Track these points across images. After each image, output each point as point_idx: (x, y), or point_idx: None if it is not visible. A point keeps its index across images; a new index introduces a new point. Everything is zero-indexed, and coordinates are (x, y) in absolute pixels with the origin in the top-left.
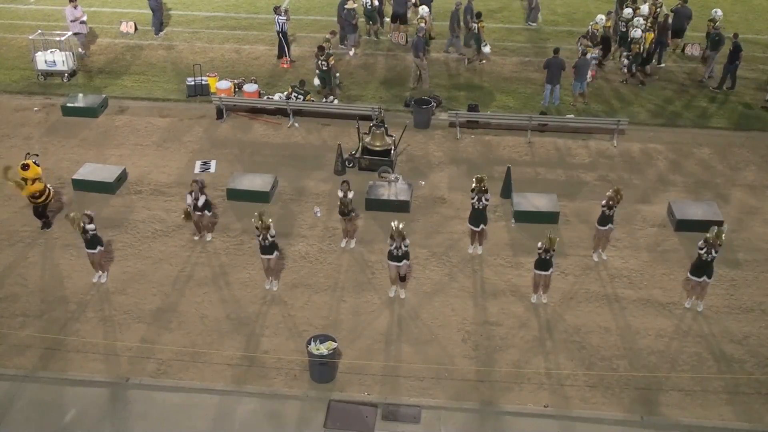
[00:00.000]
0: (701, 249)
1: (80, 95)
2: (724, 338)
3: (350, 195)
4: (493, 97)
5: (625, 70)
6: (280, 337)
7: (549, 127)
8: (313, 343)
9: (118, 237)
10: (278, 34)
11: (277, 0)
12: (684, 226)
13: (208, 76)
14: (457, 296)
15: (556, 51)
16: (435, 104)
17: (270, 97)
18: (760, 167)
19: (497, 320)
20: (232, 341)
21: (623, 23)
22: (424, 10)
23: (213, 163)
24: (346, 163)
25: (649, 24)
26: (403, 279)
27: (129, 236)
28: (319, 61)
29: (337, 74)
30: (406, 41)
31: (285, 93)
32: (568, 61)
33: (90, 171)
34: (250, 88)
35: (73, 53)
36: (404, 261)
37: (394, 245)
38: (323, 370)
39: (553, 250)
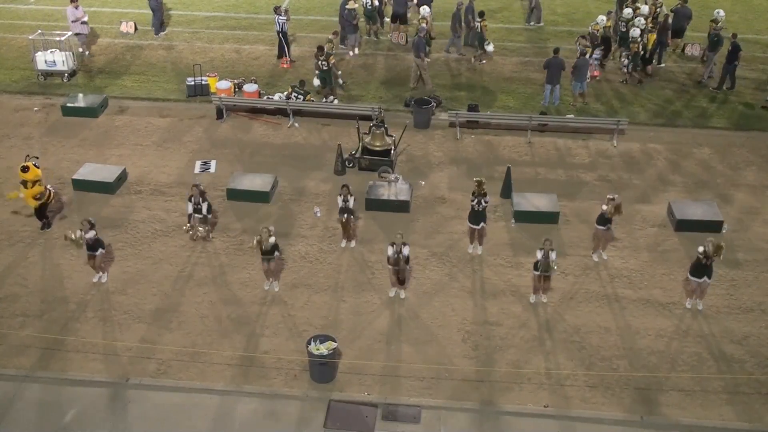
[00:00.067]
0: (700, 254)
1: (80, 95)
2: (724, 338)
3: (351, 201)
4: (493, 97)
5: (625, 70)
6: (280, 337)
7: (549, 127)
8: (313, 343)
9: (118, 237)
10: (278, 34)
11: (277, 0)
12: (684, 226)
13: (208, 76)
14: (457, 296)
15: (556, 51)
16: (435, 104)
17: (270, 97)
18: (760, 167)
19: (497, 320)
20: (232, 341)
21: (623, 23)
22: (425, 10)
23: (213, 163)
24: (346, 163)
25: (651, 25)
26: (402, 282)
27: (129, 236)
28: (319, 62)
29: (339, 73)
30: (406, 41)
31: (285, 93)
32: (568, 61)
33: (90, 171)
34: (250, 88)
35: (73, 53)
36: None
37: (393, 250)
38: (323, 370)
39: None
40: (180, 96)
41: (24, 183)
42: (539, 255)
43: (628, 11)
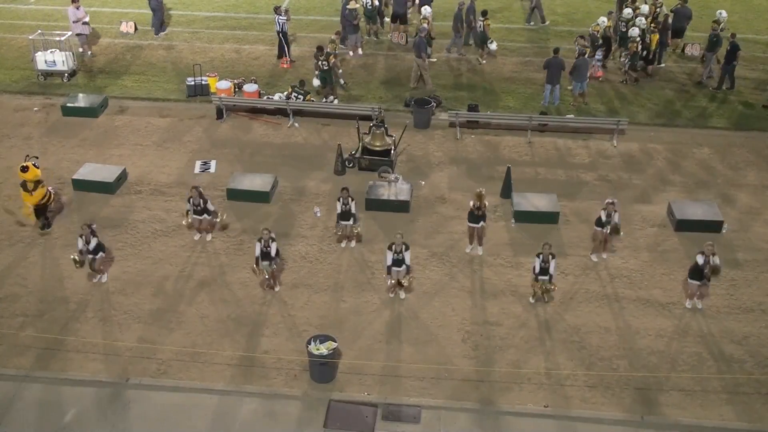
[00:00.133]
0: (701, 265)
1: (80, 95)
2: (724, 338)
3: (352, 205)
4: (493, 97)
5: (624, 69)
6: (280, 337)
7: (549, 127)
8: (313, 343)
9: (118, 237)
10: (278, 34)
11: (277, 0)
12: (684, 226)
13: (208, 76)
14: (457, 296)
15: (556, 51)
16: (435, 104)
17: (270, 97)
18: (760, 167)
19: (497, 320)
20: (232, 341)
21: (623, 23)
22: (426, 10)
23: (213, 163)
24: (346, 163)
25: (653, 25)
26: (401, 285)
27: (129, 236)
28: (319, 62)
29: (340, 71)
30: (406, 41)
31: (285, 93)
32: (568, 62)
33: (90, 171)
34: (250, 88)
35: (73, 53)
36: (403, 266)
37: (394, 249)
38: (323, 370)
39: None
40: (180, 96)
41: (24, 184)
42: (537, 263)
43: (627, 11)
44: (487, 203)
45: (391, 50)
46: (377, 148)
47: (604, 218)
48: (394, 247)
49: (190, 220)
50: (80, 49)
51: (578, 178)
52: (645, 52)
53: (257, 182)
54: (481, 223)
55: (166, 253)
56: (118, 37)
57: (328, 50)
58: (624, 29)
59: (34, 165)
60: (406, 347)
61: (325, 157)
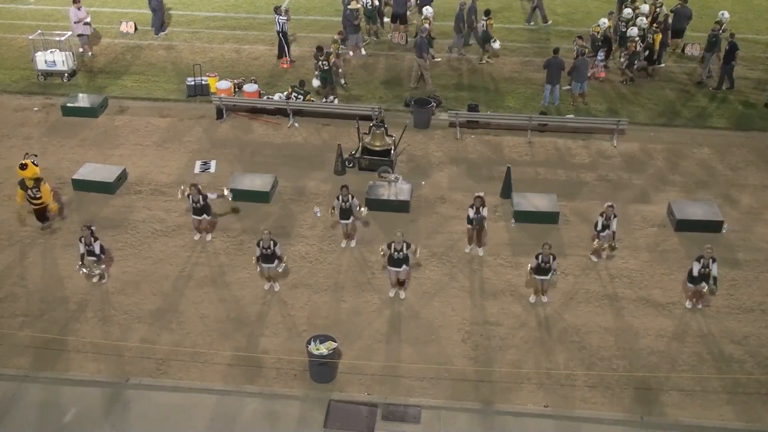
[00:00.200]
0: (694, 271)
1: (80, 95)
2: (724, 338)
3: (354, 202)
4: (493, 97)
5: (623, 69)
6: (280, 337)
7: (549, 127)
8: (313, 343)
9: (118, 237)
10: (278, 34)
11: (277, 0)
12: (684, 226)
13: (208, 76)
14: (457, 296)
15: (556, 51)
16: (435, 104)
17: (270, 97)
18: (759, 167)
19: (497, 320)
20: (232, 341)
21: (623, 23)
22: (428, 10)
23: (213, 163)
24: (346, 163)
25: (655, 26)
26: (402, 284)
27: (129, 236)
28: (320, 62)
29: (340, 71)
30: (406, 41)
31: (285, 93)
32: (568, 62)
33: (90, 171)
34: (250, 88)
35: (73, 53)
36: (404, 266)
37: (393, 248)
38: (323, 370)
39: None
40: (180, 96)
41: (22, 182)
42: (536, 260)
43: (627, 11)
44: (486, 212)
45: (391, 50)
46: (377, 148)
47: (599, 225)
48: (393, 245)
49: (186, 191)
50: (80, 50)
51: (578, 178)
52: (648, 52)
53: (257, 182)
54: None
55: (166, 253)
56: (118, 37)
57: (331, 50)
58: (624, 29)
59: (33, 163)
60: (406, 347)
61: (325, 157)
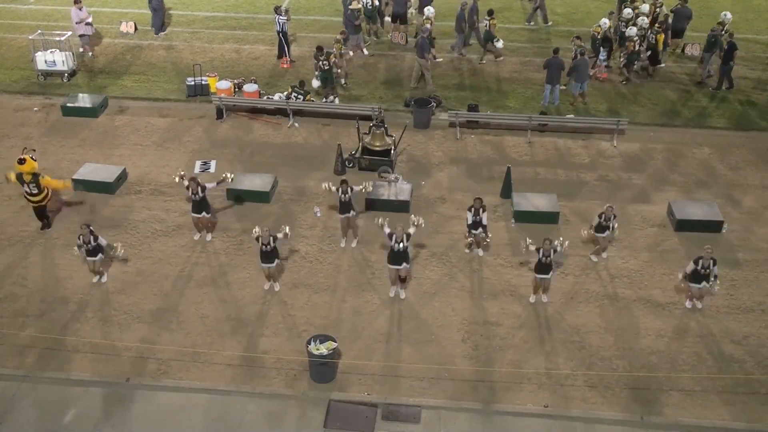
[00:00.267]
0: (699, 269)
1: (80, 95)
2: (724, 338)
3: (357, 188)
4: (493, 97)
5: (620, 69)
6: (280, 337)
7: (549, 127)
8: (313, 343)
9: (118, 237)
10: (278, 34)
11: (277, 0)
12: (684, 226)
13: (208, 76)
14: (457, 296)
15: (556, 51)
16: (435, 104)
17: (270, 97)
18: (759, 167)
19: (497, 320)
20: (232, 341)
21: (623, 23)
22: (429, 10)
23: (213, 163)
24: (346, 163)
25: (657, 25)
26: (403, 281)
27: (129, 236)
28: (320, 62)
29: (339, 71)
30: (406, 41)
31: (285, 93)
32: (568, 62)
33: (90, 171)
34: (250, 88)
35: (73, 53)
36: (404, 264)
37: (394, 239)
38: (323, 370)
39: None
40: (180, 96)
41: (19, 176)
42: (539, 253)
43: (627, 11)
44: (486, 217)
45: (390, 50)
46: (377, 148)
47: (596, 222)
48: (394, 236)
49: (182, 173)
50: (81, 49)
51: (578, 178)
52: (650, 52)
53: (257, 182)
54: (480, 229)
55: (166, 253)
56: (118, 37)
57: (334, 50)
58: (624, 29)
59: (31, 158)
60: (406, 347)
61: (325, 157)
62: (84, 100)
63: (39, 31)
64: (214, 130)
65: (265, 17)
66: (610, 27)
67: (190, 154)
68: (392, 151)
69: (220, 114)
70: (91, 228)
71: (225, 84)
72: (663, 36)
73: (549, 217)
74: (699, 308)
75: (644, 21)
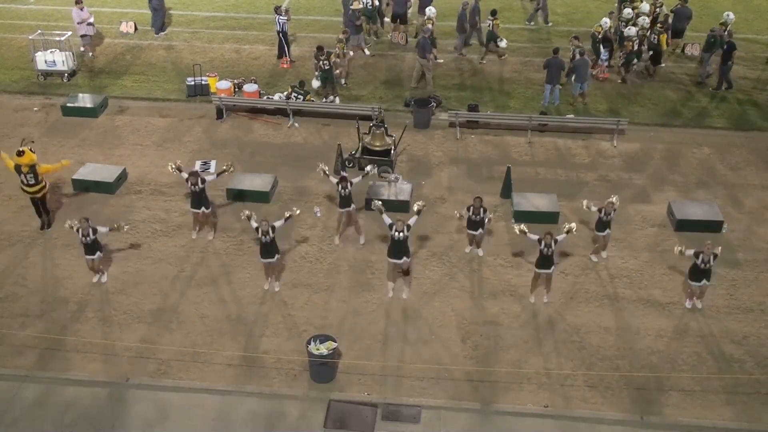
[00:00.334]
0: (699, 263)
1: (80, 95)
2: (724, 338)
3: (356, 179)
4: (493, 97)
5: (620, 68)
6: (280, 337)
7: (549, 127)
8: (313, 343)
9: (118, 237)
10: (278, 34)
11: (277, 0)
12: (684, 226)
13: (208, 76)
14: (457, 296)
15: (556, 51)
16: (435, 104)
17: (270, 97)
18: (759, 167)
19: (497, 320)
20: (232, 341)
21: (623, 23)
22: (431, 10)
23: (213, 163)
24: (346, 163)
25: (659, 25)
26: (406, 273)
27: (129, 236)
28: (320, 62)
29: (338, 71)
30: (406, 41)
31: (285, 93)
32: (568, 62)
33: (90, 171)
34: (250, 88)
35: (73, 53)
36: (404, 258)
37: (395, 229)
38: (323, 370)
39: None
40: (180, 96)
41: (17, 167)
42: (540, 245)
43: (627, 11)
44: (488, 218)
45: (390, 50)
46: (377, 148)
47: (595, 218)
48: (395, 227)
49: (178, 164)
50: (81, 49)
51: (578, 178)
52: (652, 53)
53: (257, 182)
54: (480, 230)
55: (166, 253)
56: (118, 37)
57: (336, 50)
58: (624, 29)
59: (30, 150)
60: (406, 347)
61: (325, 157)
62: (84, 100)
63: (39, 31)
64: (214, 130)
65: (265, 17)
66: (610, 27)
67: (190, 154)
68: (392, 151)
69: (220, 114)
70: (89, 222)
71: (225, 84)
72: (665, 36)
73: (549, 217)
74: (699, 308)
75: (645, 21)
